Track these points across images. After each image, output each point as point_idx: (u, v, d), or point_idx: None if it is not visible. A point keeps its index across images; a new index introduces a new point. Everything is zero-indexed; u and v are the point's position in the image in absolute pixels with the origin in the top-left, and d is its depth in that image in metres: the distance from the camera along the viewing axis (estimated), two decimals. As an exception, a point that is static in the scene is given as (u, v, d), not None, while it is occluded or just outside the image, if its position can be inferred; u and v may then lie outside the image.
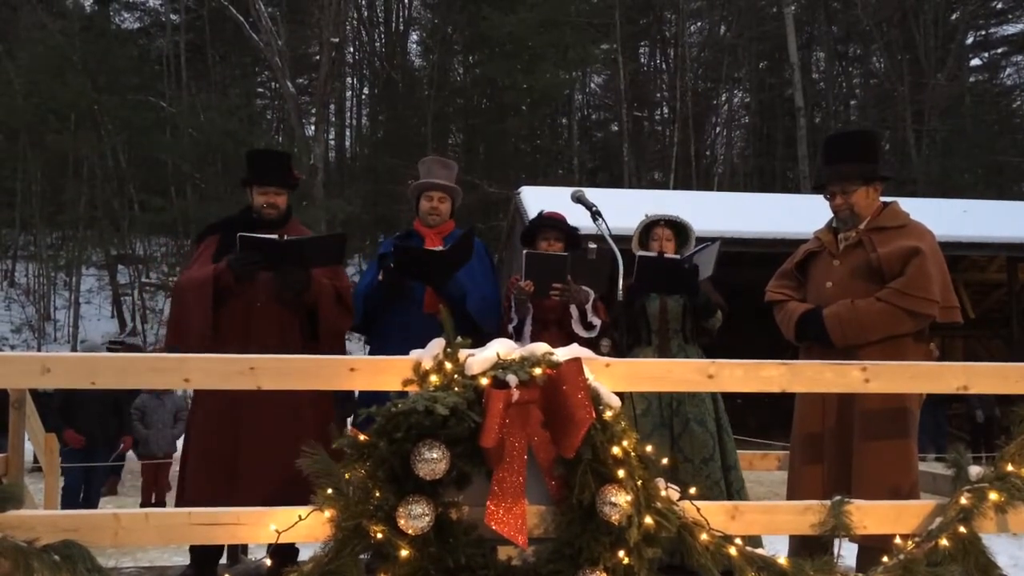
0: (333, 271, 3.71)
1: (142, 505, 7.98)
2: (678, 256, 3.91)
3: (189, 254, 4.05)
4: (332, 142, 31.99)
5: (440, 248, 3.79)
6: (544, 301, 3.93)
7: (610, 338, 3.95)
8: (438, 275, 3.74)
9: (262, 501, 2.61)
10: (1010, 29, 30.26)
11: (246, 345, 3.34)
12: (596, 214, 3.56)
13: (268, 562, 2.41)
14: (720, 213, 12.91)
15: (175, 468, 8.23)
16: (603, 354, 3.19)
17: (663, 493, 2.45)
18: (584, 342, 3.77)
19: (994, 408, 12.01)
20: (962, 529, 2.56)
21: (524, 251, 3.91)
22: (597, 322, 3.94)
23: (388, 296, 3.84)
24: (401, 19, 33.55)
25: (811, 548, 2.78)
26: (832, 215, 3.62)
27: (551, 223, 4.15)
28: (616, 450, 2.36)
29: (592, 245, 3.63)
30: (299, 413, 3.42)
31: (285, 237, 3.50)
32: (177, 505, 3.56)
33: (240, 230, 3.54)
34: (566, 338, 3.71)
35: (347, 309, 3.74)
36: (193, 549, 3.46)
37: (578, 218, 4.07)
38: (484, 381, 2.39)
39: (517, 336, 3.86)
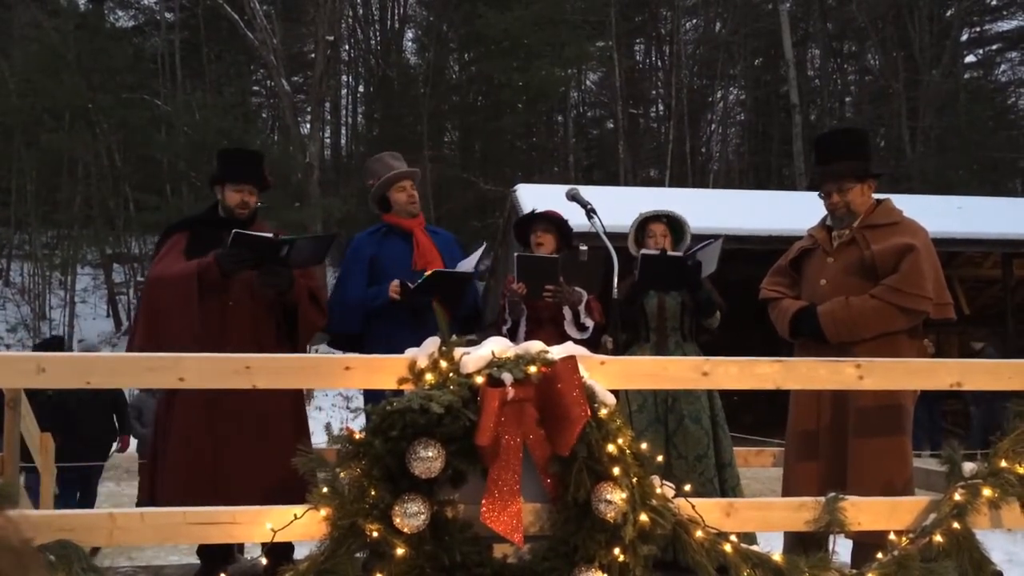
0: (304, 270, 3.69)
1: (138, 504, 7.97)
2: (680, 253, 3.92)
3: (155, 253, 4.09)
4: (327, 140, 31.97)
5: (466, 271, 3.81)
6: (537, 301, 3.93)
7: (612, 336, 3.97)
8: (462, 294, 3.77)
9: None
10: (1005, 25, 30.34)
11: (222, 345, 3.32)
12: (591, 212, 3.56)
13: (264, 561, 2.41)
14: (716, 210, 12.91)
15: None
16: (608, 351, 3.20)
17: (658, 490, 2.46)
18: (579, 342, 3.78)
19: (991, 404, 12.03)
20: (956, 525, 2.57)
21: (515, 254, 3.91)
22: (590, 323, 3.95)
23: (403, 311, 3.82)
24: (396, 17, 33.51)
25: (806, 545, 2.79)
26: (827, 213, 3.63)
27: (542, 215, 4.15)
28: (611, 448, 2.37)
29: (583, 247, 3.63)
30: (277, 420, 3.44)
31: (280, 236, 3.50)
32: (139, 504, 3.53)
33: (208, 227, 3.57)
34: (560, 336, 3.71)
35: (320, 308, 3.74)
36: (201, 550, 3.45)
37: (573, 216, 4.07)
38: (479, 379, 2.39)
39: (512, 338, 3.86)
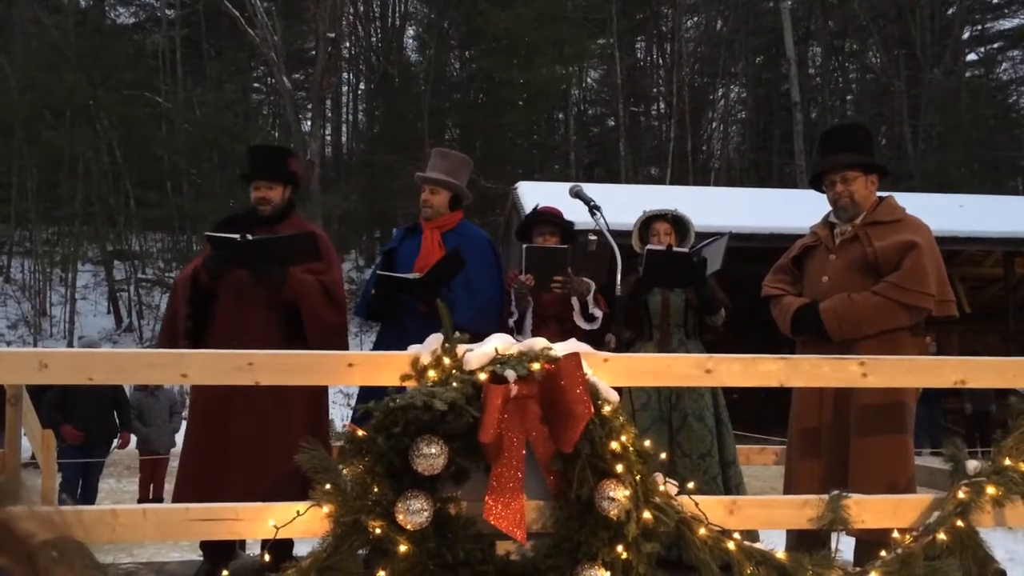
0: (325, 264, 3.64)
1: (139, 501, 7.98)
2: (686, 249, 3.90)
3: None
4: (328, 137, 31.94)
5: (416, 275, 3.73)
6: (543, 295, 3.92)
7: (614, 333, 3.97)
8: (420, 298, 3.73)
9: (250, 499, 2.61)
10: (1007, 24, 30.29)
11: (234, 343, 3.32)
12: (594, 209, 3.55)
13: (267, 557, 2.40)
14: (717, 208, 12.91)
15: (173, 464, 8.27)
16: (610, 349, 3.19)
17: (661, 488, 2.46)
18: (586, 334, 3.77)
19: (991, 403, 12.05)
20: (959, 523, 2.57)
21: (524, 245, 3.90)
22: (599, 314, 3.94)
23: (385, 307, 3.86)
24: (397, 14, 33.49)
25: (809, 543, 2.79)
26: (830, 209, 3.63)
27: (546, 218, 4.14)
28: (614, 445, 2.36)
29: (592, 237, 3.62)
30: (291, 411, 3.44)
31: (248, 237, 3.44)
32: (173, 501, 3.56)
33: (242, 226, 3.52)
34: (564, 333, 3.70)
35: (338, 305, 3.65)
36: (205, 546, 3.45)
37: (576, 213, 4.06)
38: (482, 376, 2.39)
39: (518, 330, 3.86)
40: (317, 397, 3.63)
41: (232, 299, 3.53)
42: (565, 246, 3.97)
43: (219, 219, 3.97)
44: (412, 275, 3.74)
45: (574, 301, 3.93)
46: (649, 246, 3.82)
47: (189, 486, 3.37)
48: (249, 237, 3.44)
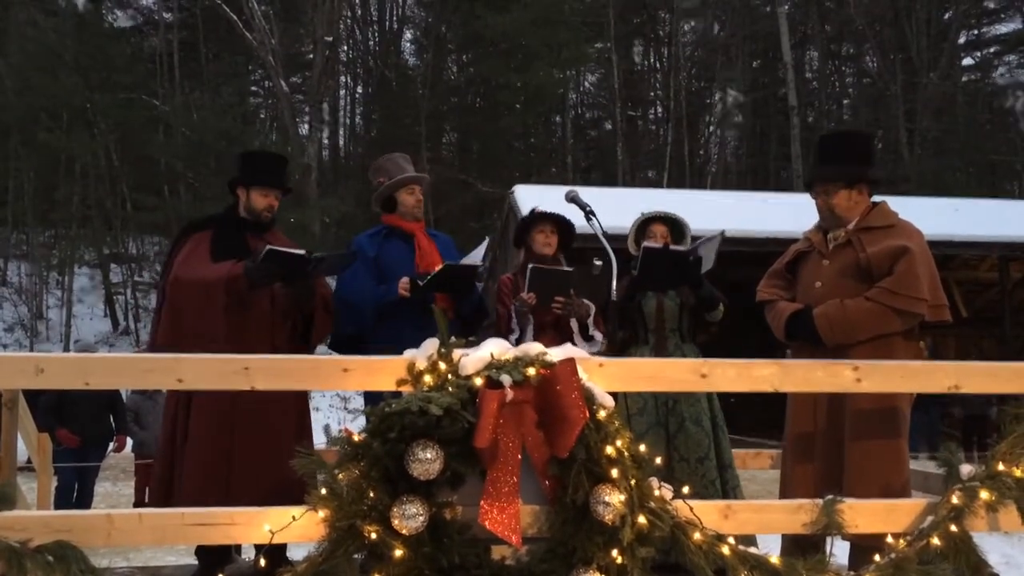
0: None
1: (135, 505, 7.97)
2: (682, 248, 3.90)
3: (172, 250, 3.99)
4: (326, 141, 31.93)
5: (474, 263, 3.81)
6: (545, 311, 3.93)
7: (605, 335, 3.97)
8: (471, 286, 3.81)
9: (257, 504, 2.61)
10: (1002, 28, 30.43)
11: (237, 348, 3.33)
12: (590, 214, 3.55)
13: (263, 562, 2.41)
14: (713, 212, 12.91)
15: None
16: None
17: (656, 492, 2.46)
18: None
19: (989, 407, 12.06)
20: (953, 528, 2.57)
21: (529, 265, 3.89)
22: (599, 336, 3.95)
23: (406, 307, 3.84)
24: (395, 18, 33.50)
25: (803, 547, 2.80)
26: (820, 215, 3.64)
27: (546, 215, 4.15)
28: (610, 450, 2.37)
29: (597, 261, 3.63)
30: (286, 416, 3.47)
31: (315, 255, 3.52)
32: (153, 504, 3.54)
33: (230, 230, 3.57)
34: (562, 341, 3.71)
35: (331, 313, 3.78)
36: (200, 551, 3.44)
37: (572, 218, 4.07)
38: (478, 381, 2.40)
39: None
40: (302, 399, 3.70)
41: (237, 305, 3.50)
42: (569, 269, 3.98)
43: (200, 219, 3.95)
44: (471, 262, 3.83)
45: (573, 323, 3.93)
46: (646, 243, 3.81)
47: (201, 495, 3.34)
48: (314, 255, 3.52)
